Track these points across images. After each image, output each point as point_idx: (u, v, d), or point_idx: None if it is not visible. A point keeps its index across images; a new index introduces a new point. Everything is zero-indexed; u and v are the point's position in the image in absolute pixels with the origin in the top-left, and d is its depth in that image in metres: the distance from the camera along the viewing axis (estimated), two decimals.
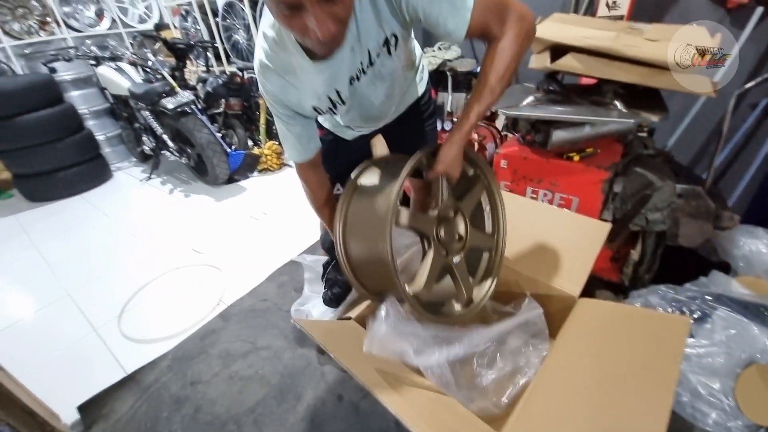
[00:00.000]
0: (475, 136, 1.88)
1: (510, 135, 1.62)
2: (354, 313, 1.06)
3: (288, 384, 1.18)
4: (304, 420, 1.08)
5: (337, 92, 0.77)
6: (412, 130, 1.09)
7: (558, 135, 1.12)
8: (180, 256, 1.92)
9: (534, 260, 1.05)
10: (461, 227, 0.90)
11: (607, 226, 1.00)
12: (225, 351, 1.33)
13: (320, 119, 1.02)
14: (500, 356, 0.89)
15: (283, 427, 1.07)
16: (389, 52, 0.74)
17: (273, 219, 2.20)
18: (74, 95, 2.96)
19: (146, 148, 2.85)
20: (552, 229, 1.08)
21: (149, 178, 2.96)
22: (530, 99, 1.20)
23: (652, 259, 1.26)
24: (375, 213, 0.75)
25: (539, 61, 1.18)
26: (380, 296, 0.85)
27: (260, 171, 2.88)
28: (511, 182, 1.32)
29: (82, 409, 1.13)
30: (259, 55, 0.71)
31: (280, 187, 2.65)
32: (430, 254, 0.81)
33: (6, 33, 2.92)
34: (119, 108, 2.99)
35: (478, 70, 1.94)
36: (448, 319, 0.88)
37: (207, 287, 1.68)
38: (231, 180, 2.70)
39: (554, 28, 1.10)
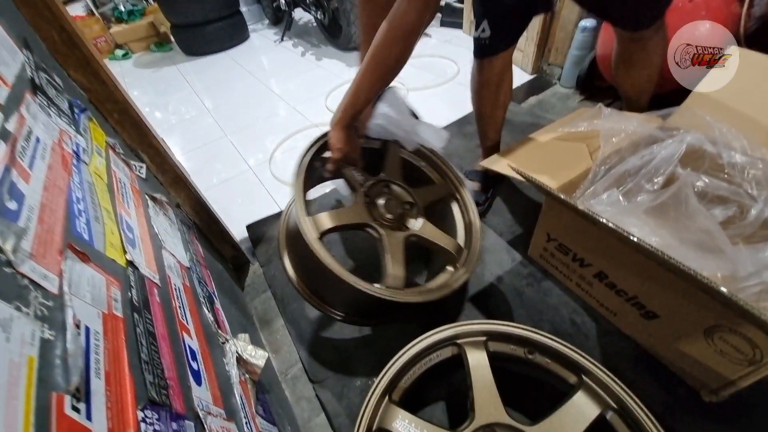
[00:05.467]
0: None
1: None
2: (554, 184, 0.83)
3: None
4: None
5: None
6: None
7: None
8: (316, 114, 1.87)
9: None
10: (398, 190, 0.85)
11: None
12: None
13: None
14: None
15: None
16: None
17: (403, 88, 1.96)
18: None
19: (282, 2, 2.70)
20: None
21: (281, 40, 2.89)
22: None
23: None
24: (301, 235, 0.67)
25: None
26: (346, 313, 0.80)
27: None
28: None
29: (249, 228, 1.22)
30: None
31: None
32: (384, 238, 0.74)
33: None
34: None
35: None
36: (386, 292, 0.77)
37: None
38: None
39: None
